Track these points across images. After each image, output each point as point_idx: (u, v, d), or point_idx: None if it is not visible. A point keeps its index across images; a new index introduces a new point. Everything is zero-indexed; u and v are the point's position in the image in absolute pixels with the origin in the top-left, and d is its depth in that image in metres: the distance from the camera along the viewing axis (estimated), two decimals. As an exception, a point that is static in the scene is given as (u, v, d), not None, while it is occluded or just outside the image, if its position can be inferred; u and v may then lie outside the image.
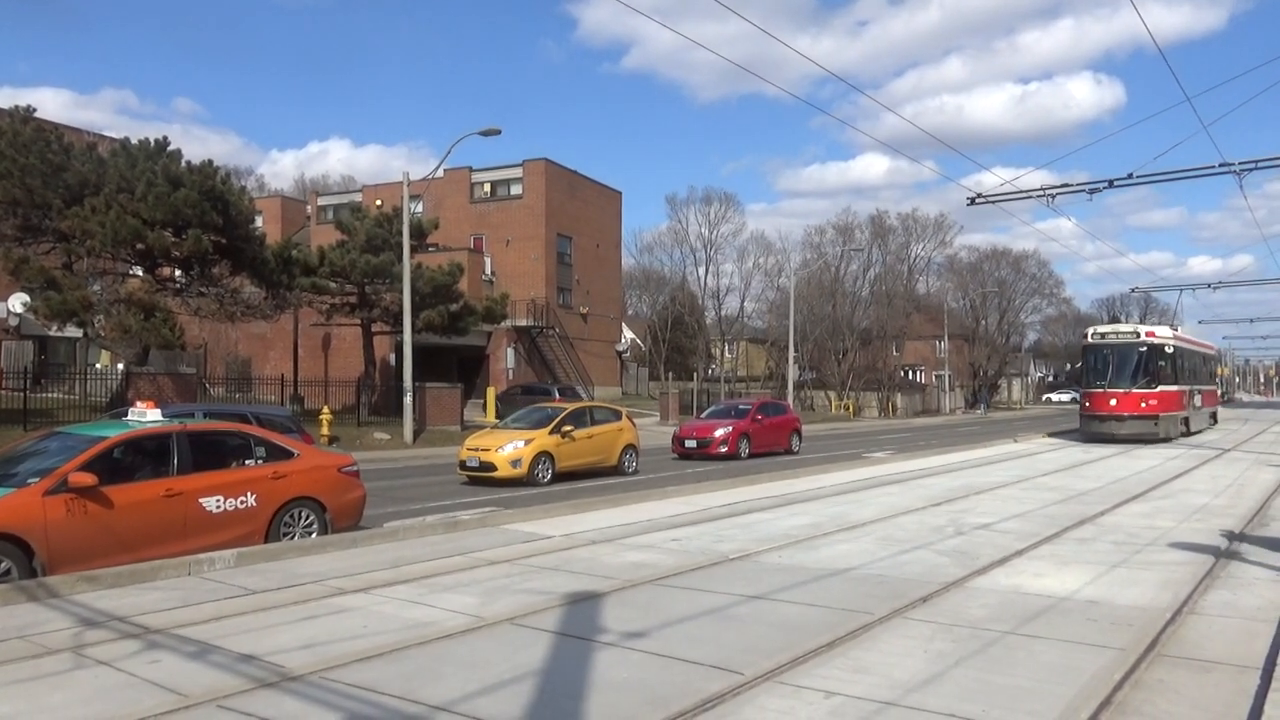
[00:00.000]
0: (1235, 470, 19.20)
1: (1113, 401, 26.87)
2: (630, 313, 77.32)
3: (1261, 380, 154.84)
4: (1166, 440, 26.94)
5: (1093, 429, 27.63)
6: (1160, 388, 26.84)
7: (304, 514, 10.13)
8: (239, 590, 7.77)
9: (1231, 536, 10.45)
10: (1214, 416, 38.86)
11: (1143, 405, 26.46)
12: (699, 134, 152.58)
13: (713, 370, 73.07)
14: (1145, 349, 26.89)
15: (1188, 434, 30.02)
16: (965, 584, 7.96)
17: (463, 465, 18.38)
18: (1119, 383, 26.95)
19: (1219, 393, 45.08)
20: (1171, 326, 33.94)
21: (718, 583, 8.04)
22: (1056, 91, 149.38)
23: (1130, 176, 21.45)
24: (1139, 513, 12.57)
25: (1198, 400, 32.58)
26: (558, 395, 37.50)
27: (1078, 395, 35.98)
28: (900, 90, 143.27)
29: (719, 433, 24.23)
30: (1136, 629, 6.42)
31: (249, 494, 9.52)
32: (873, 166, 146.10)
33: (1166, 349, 26.99)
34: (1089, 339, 28.54)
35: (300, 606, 7.21)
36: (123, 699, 5.07)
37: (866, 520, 11.86)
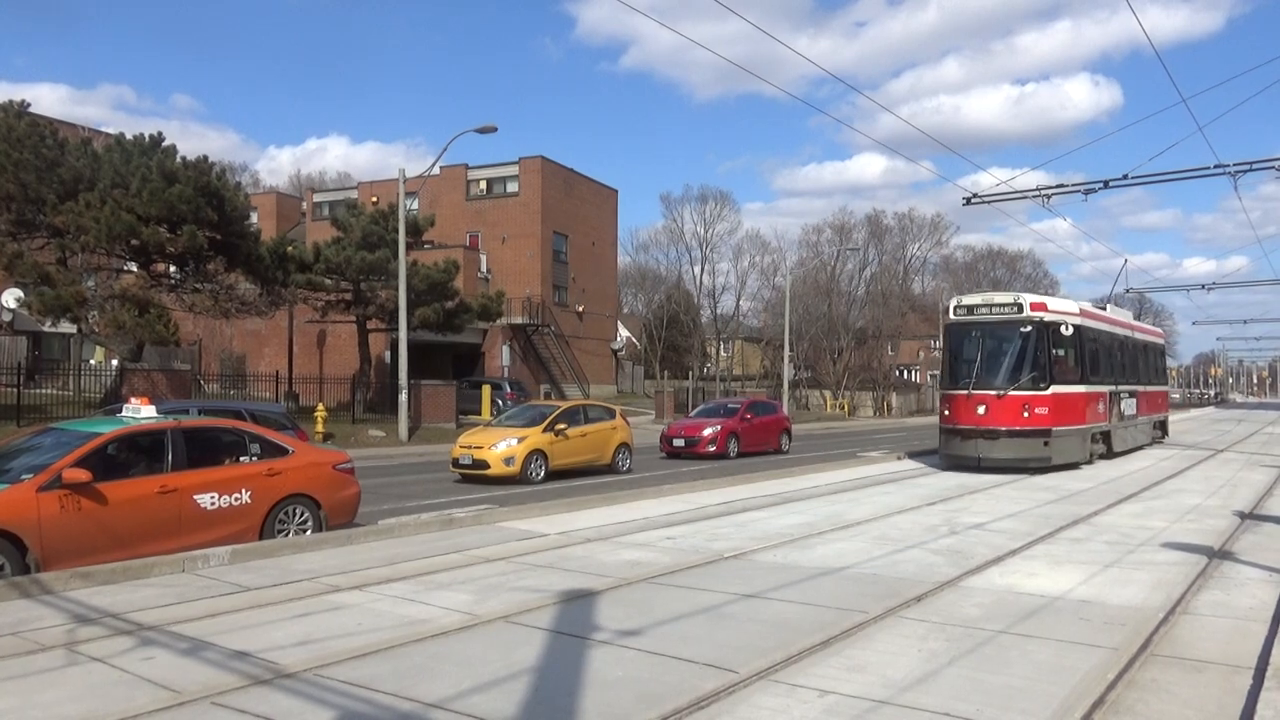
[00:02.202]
0: (1228, 471, 19.27)
1: (980, 409, 18.07)
2: (626, 311, 77.34)
3: (1255, 381, 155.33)
4: (1069, 467, 18.76)
5: (952, 450, 18.86)
6: (1055, 388, 18.16)
7: (299, 511, 10.11)
8: (233, 587, 7.76)
9: (1235, 523, 10.49)
10: (1162, 428, 28.56)
11: (1025, 414, 17.82)
12: (696, 133, 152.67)
13: (708, 369, 73.13)
14: (1030, 329, 18.12)
15: (1109, 454, 21.31)
16: (959, 583, 7.98)
17: (455, 463, 18.30)
18: (990, 380, 18.24)
19: (1169, 394, 33.20)
20: (1101, 305, 24.45)
21: (712, 581, 8.05)
22: (1053, 92, 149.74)
23: (1125, 177, 21.51)
24: (1132, 513, 12.61)
25: (1128, 406, 23.25)
26: (509, 390, 37.51)
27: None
28: (898, 91, 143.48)
29: (707, 431, 24.14)
30: (1130, 629, 6.44)
31: (244, 491, 9.50)
32: (870, 166, 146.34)
33: (1064, 329, 18.36)
34: (951, 314, 19.51)
35: (295, 604, 7.20)
36: (116, 696, 5.06)
37: (861, 519, 11.88)
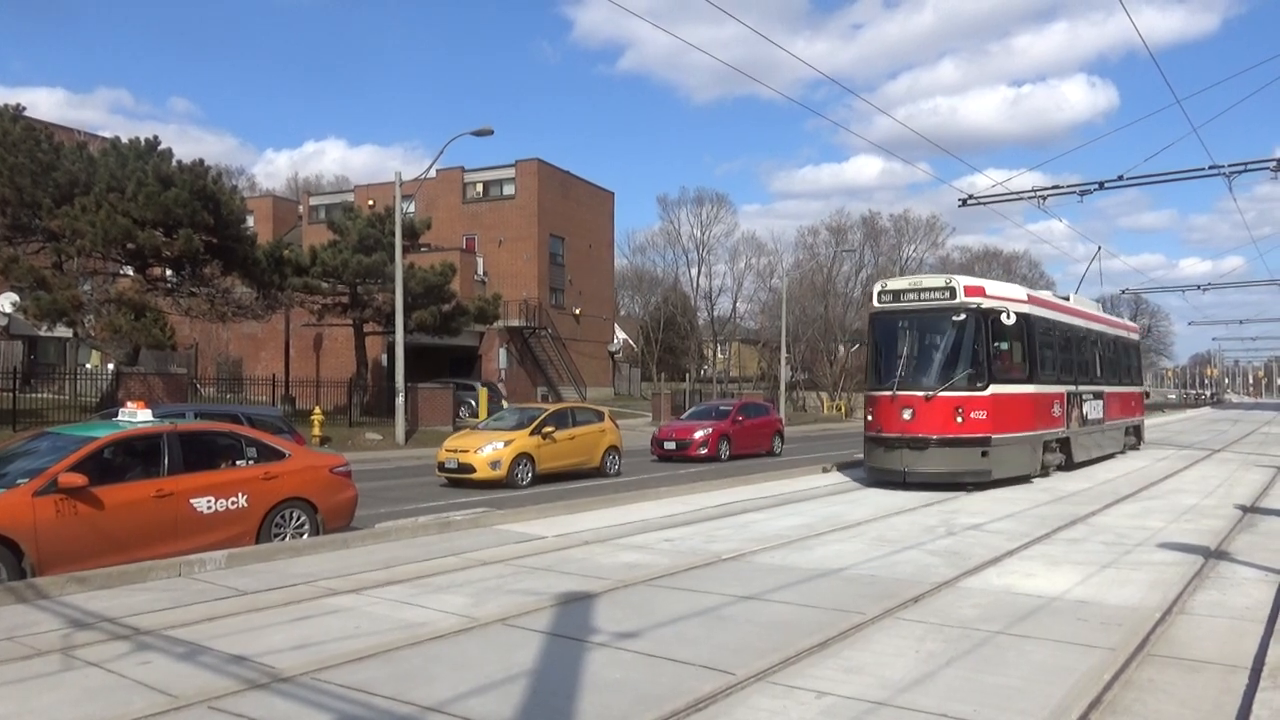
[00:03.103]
0: (1225, 471, 19.30)
1: (905, 414, 15.18)
2: (623, 313, 77.39)
3: (1251, 381, 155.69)
4: (1016, 482, 15.93)
5: (876, 462, 15.81)
6: (996, 388, 15.24)
7: (295, 515, 10.10)
8: (230, 591, 7.75)
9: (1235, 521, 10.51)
10: (1136, 433, 25.13)
11: (958, 420, 14.98)
12: (693, 135, 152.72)
13: (705, 371, 73.15)
14: (965, 318, 15.18)
15: (1069, 465, 18.35)
16: (957, 584, 7.99)
17: (441, 467, 18.06)
18: (917, 380, 15.37)
19: (1144, 396, 28.66)
20: (1065, 295, 21.56)
21: (710, 583, 8.05)
22: (1050, 94, 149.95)
23: (1121, 178, 21.56)
24: (1129, 513, 12.63)
25: (1093, 409, 20.12)
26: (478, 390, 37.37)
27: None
28: (894, 93, 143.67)
29: (698, 434, 24.02)
30: (1126, 629, 6.45)
31: (240, 495, 9.49)
32: (866, 168, 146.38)
33: (1005, 318, 15.28)
34: (875, 301, 16.40)
35: (292, 607, 7.19)
36: (113, 700, 5.05)
37: (859, 520, 11.89)
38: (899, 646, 6.03)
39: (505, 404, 33.04)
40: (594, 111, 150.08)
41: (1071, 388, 18.62)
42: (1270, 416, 55.49)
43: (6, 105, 26.61)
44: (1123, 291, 63.08)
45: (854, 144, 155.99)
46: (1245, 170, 20.37)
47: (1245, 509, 12.95)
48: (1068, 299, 20.70)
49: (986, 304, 15.39)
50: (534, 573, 8.57)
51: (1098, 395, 20.60)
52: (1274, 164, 20.03)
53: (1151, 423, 46.87)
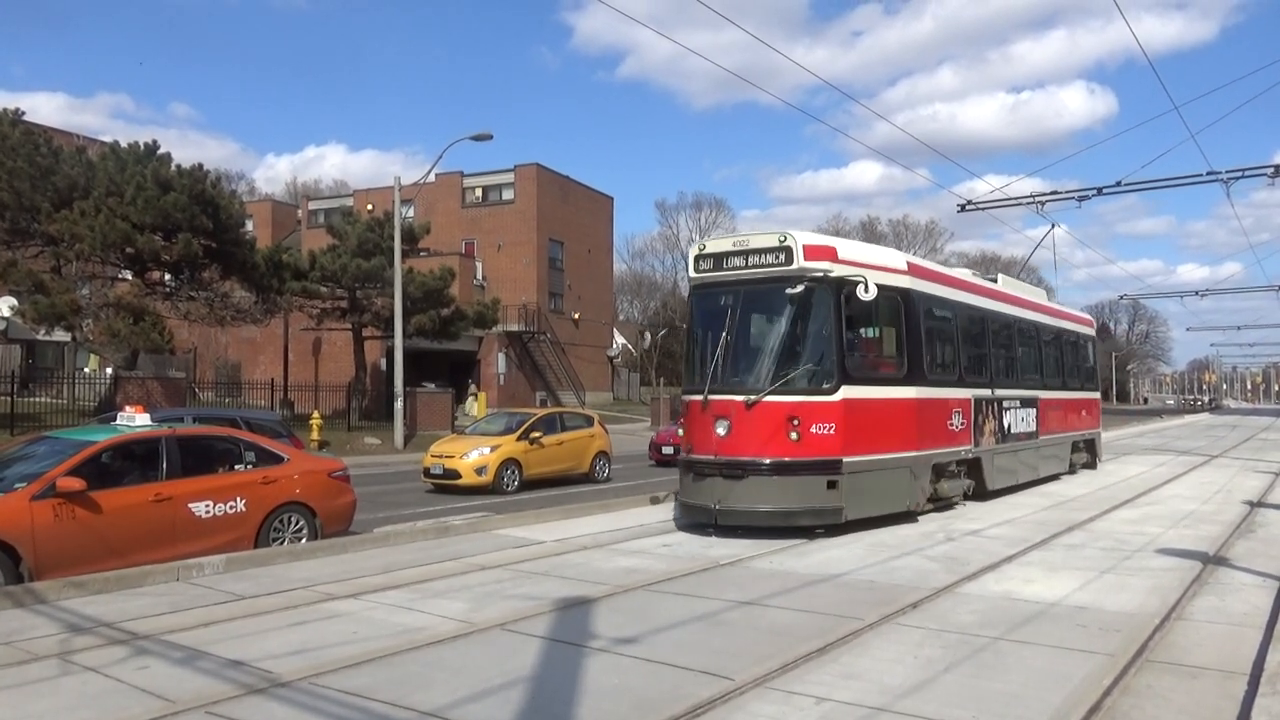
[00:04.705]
0: (1224, 476, 19.31)
1: (720, 427, 10.91)
2: (622, 318, 77.37)
3: (1249, 387, 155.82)
4: (888, 522, 11.55)
5: (687, 495, 11.49)
6: (851, 390, 10.98)
7: (294, 519, 10.09)
8: (228, 596, 7.73)
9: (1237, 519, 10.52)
10: (1088, 449, 20.36)
11: (793, 436, 10.70)
12: (692, 141, 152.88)
13: (704, 376, 72.89)
14: (803, 290, 10.96)
15: (981, 493, 14.08)
16: (955, 590, 7.98)
17: (427, 473, 17.87)
18: (737, 379, 11.12)
19: (1099, 403, 22.25)
20: (992, 277, 17.14)
21: (709, 588, 8.05)
22: (1049, 100, 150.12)
23: (1119, 184, 21.62)
24: (1128, 519, 12.63)
25: (1020, 420, 15.79)
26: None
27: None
28: (894, 99, 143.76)
29: None
30: (1125, 635, 6.44)
31: (238, 499, 9.48)
32: (865, 174, 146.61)
33: (863, 292, 10.87)
34: (691, 269, 11.98)
35: (290, 612, 7.18)
36: (110, 705, 5.04)
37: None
38: (898, 652, 6.03)
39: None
40: (593, 117, 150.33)
41: (984, 392, 14.24)
42: (1268, 422, 55.57)
43: (6, 109, 26.66)
44: (1121, 297, 63.28)
45: (853, 149, 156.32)
46: (1243, 176, 20.45)
47: (1243, 517, 12.94)
48: (995, 280, 16.85)
49: (839, 272, 10.97)
50: (532, 578, 8.56)
51: (1028, 402, 16.22)
52: (1271, 170, 20.09)
53: (1149, 429, 46.96)
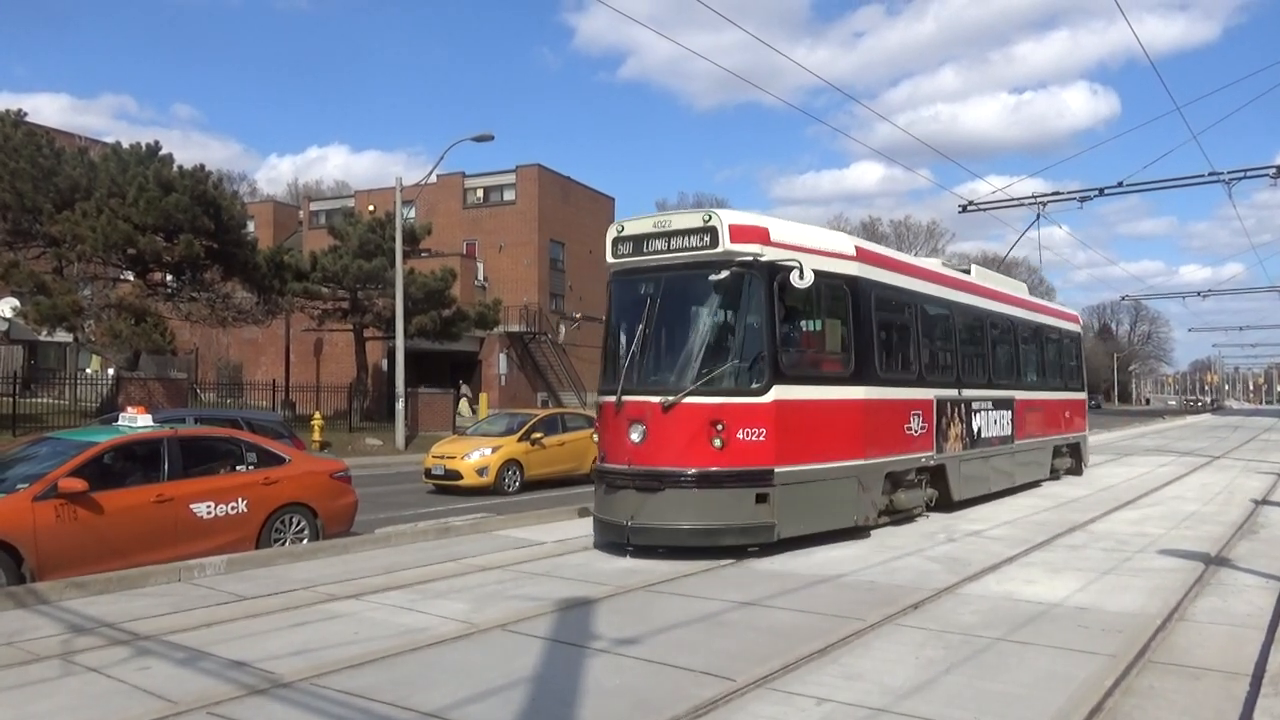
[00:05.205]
0: (1226, 477, 19.29)
1: (634, 432, 9.67)
2: (623, 319, 77.38)
3: (1251, 388, 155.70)
4: (836, 537, 10.43)
5: (600, 509, 10.22)
6: (785, 390, 9.74)
7: (295, 520, 10.10)
8: (229, 596, 7.74)
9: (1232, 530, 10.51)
10: (1073, 453, 18.99)
11: (716, 443, 9.42)
12: (694, 141, 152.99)
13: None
14: (728, 277, 9.74)
15: (947, 503, 12.88)
16: (957, 590, 7.98)
17: (428, 473, 17.90)
18: (654, 375, 9.98)
19: (1085, 405, 20.62)
20: (965, 268, 16.19)
21: (710, 589, 8.04)
22: (1051, 101, 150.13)
23: (1120, 185, 21.62)
24: (1129, 519, 12.62)
25: (992, 423, 14.58)
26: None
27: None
28: (895, 99, 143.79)
29: None
30: (1127, 635, 6.44)
31: (240, 500, 9.49)
32: (867, 174, 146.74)
33: (799, 278, 9.55)
34: (610, 253, 10.86)
35: (291, 613, 7.18)
36: (112, 706, 5.04)
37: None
38: (899, 653, 6.02)
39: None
40: (595, 118, 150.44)
41: (949, 392, 13.07)
42: (1270, 423, 55.50)
43: (8, 111, 26.70)
44: (1123, 298, 63.32)
45: (855, 150, 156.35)
46: (1245, 177, 20.46)
47: (1245, 517, 12.93)
48: (968, 271, 15.65)
49: (771, 255, 9.71)
50: (533, 578, 8.56)
51: (1002, 403, 14.99)
52: (1273, 171, 20.08)
53: (1151, 429, 46.91)
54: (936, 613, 7.17)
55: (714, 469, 9.43)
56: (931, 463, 12.45)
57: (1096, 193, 22.08)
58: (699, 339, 9.97)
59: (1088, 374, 21.80)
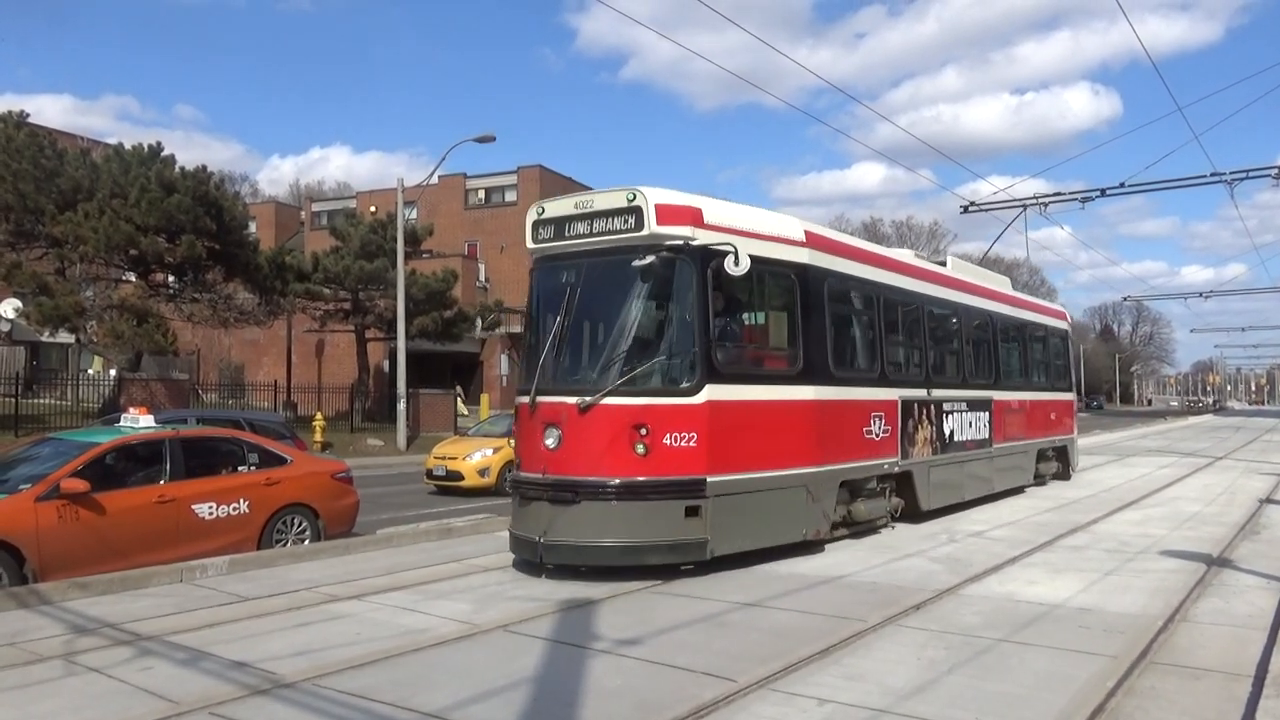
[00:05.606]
0: (1227, 478, 19.27)
1: (550, 436, 8.56)
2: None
3: (1253, 389, 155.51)
4: (787, 553, 9.45)
5: (515, 523, 9.10)
6: (719, 390, 8.57)
7: (297, 520, 10.11)
8: (231, 597, 7.75)
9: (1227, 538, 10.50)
10: (1060, 457, 17.94)
11: (640, 449, 8.30)
12: (696, 142, 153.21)
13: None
14: (658, 262, 8.60)
15: (914, 513, 11.92)
16: (958, 591, 7.97)
17: (429, 474, 17.91)
18: (572, 373, 8.95)
19: (1074, 406, 19.57)
20: (941, 261, 14.89)
21: (711, 590, 8.04)
22: (1053, 101, 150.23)
23: (1122, 185, 21.61)
24: (1131, 520, 12.60)
25: (967, 425, 13.56)
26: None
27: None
28: (897, 100, 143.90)
29: None
30: (1129, 636, 6.43)
31: (242, 500, 9.49)
32: (869, 175, 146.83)
33: (733, 265, 8.48)
34: (530, 238, 9.48)
35: (293, 613, 7.19)
36: (114, 706, 5.05)
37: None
38: (901, 654, 6.02)
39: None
40: (596, 118, 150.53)
41: (916, 392, 12.06)
42: (1272, 424, 55.44)
43: (10, 112, 26.74)
44: (1125, 298, 63.04)
45: (856, 151, 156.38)
46: (1247, 178, 20.43)
47: (1247, 518, 12.92)
48: (944, 263, 14.55)
49: (704, 239, 8.67)
50: (535, 579, 8.55)
51: (978, 404, 13.93)
52: (1275, 171, 20.07)
53: (1153, 430, 46.83)
54: (938, 613, 7.17)
55: (637, 479, 8.35)
56: (896, 469, 11.42)
57: (1098, 193, 22.07)
58: (622, 333, 8.79)
59: (1089, 375, 22.19)
